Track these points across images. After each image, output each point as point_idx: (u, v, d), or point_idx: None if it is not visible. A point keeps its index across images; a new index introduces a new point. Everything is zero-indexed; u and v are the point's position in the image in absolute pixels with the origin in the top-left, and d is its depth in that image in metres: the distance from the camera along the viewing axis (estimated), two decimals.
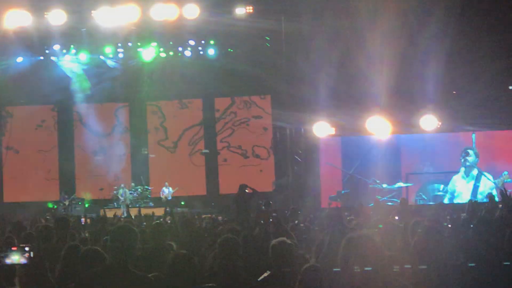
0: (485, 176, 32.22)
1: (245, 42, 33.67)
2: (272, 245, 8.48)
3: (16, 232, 13.75)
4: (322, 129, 33.18)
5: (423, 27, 29.57)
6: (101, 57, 34.95)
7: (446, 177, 33.05)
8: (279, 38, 32.67)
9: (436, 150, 33.26)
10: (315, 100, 32.03)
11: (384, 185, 31.99)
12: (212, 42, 34.17)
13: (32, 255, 7.85)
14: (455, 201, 31.64)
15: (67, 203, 33.42)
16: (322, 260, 9.63)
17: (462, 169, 32.75)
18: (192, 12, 30.61)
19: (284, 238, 8.65)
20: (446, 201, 31.56)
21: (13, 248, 7.89)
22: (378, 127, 32.62)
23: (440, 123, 32.80)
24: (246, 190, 20.87)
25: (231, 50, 34.58)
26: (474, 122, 32.26)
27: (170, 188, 33.90)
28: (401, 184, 32.22)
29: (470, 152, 32.48)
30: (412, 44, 29.89)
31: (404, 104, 31.63)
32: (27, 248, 7.85)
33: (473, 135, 32.62)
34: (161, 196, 33.89)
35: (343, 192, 32.19)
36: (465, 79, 31.43)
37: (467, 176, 32.54)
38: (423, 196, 32.16)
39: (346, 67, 31.05)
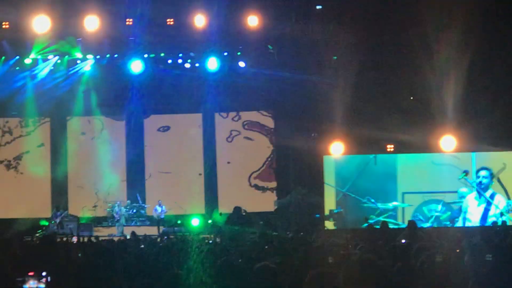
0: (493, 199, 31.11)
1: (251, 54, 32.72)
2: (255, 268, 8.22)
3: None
4: (338, 148, 32.18)
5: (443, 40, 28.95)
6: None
7: (444, 197, 31.82)
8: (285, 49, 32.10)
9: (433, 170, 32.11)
10: (324, 118, 31.30)
11: (379, 205, 30.82)
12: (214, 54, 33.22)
13: (49, 279, 7.96)
14: (466, 223, 30.47)
15: (58, 220, 32.02)
16: None
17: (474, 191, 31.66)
18: (199, 22, 30.36)
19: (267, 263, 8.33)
20: (459, 223, 30.40)
21: (30, 274, 8.05)
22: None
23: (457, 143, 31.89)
24: (243, 213, 19.81)
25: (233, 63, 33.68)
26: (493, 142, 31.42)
27: (164, 207, 32.83)
28: (396, 203, 31.09)
29: (485, 172, 31.30)
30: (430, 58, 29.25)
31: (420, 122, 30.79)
32: (44, 273, 7.98)
33: (473, 154, 31.44)
34: (154, 214, 32.77)
35: (335, 211, 31.08)
36: (485, 97, 30.73)
37: (480, 197, 31.37)
38: (420, 217, 31.01)
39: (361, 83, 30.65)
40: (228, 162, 35.31)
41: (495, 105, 30.74)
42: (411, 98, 31.83)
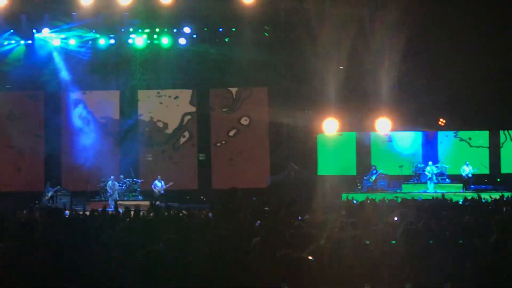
0: None
1: (244, 31, 32.52)
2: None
3: None
4: (332, 126, 32.15)
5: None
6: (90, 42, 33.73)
7: None
8: (279, 29, 31.93)
9: None
10: (317, 96, 31.26)
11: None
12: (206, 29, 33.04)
13: None
14: None
15: (49, 194, 31.93)
16: None
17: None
18: None
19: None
20: None
21: None
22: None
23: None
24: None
25: (227, 40, 33.47)
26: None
27: (163, 182, 32.67)
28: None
29: None
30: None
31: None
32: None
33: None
34: (154, 189, 32.62)
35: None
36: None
37: None
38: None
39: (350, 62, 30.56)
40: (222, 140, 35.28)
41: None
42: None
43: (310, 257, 8.05)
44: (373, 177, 33.28)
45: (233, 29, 33.24)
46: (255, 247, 8.08)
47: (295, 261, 7.35)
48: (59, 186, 32.83)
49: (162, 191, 32.71)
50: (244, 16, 31.20)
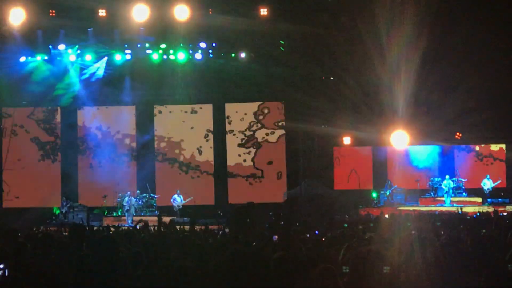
0: None
1: (260, 46, 32.64)
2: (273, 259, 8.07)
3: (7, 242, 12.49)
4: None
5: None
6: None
7: None
8: (295, 43, 32.01)
9: None
10: (334, 110, 31.47)
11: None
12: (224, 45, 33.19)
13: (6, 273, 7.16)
14: None
15: (64, 210, 31.98)
16: None
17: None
18: (205, 13, 30.07)
19: (284, 253, 8.20)
20: None
21: None
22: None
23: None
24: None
25: (245, 55, 33.52)
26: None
27: (182, 197, 32.74)
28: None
29: None
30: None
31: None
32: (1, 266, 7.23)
33: None
34: (173, 204, 32.65)
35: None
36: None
37: None
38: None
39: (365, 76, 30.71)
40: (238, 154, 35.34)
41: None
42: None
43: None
44: (388, 192, 33.17)
45: (249, 44, 33.27)
46: (276, 262, 8.10)
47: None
48: (70, 201, 32.73)
49: (181, 206, 32.78)
50: (260, 30, 31.26)
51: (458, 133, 34.25)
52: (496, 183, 33.01)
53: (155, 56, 33.62)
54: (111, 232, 17.52)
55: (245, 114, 35.38)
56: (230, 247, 9.29)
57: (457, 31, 29.19)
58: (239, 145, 35.35)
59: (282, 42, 32.75)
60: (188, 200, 32.84)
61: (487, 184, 32.95)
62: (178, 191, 33.04)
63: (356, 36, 29.60)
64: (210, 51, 33.55)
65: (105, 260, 7.43)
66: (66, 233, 19.36)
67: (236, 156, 35.32)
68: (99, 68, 33.96)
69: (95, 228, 21.74)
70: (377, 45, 28.88)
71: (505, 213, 26.79)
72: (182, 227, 19.92)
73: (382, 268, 7.34)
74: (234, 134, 35.44)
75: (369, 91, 31.58)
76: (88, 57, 33.58)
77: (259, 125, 35.23)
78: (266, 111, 35.22)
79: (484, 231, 14.48)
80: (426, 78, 30.16)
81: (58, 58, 33.51)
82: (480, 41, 29.60)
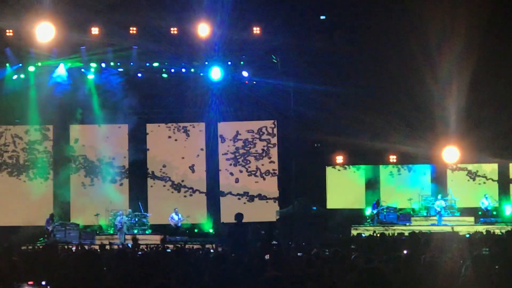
0: None
1: (254, 63, 32.74)
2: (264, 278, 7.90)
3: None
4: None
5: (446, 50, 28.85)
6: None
7: None
8: (289, 59, 32.11)
9: None
10: (327, 128, 31.48)
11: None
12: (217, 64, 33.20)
13: None
14: None
15: (50, 228, 31.68)
16: None
17: None
18: (203, 31, 30.41)
19: (275, 273, 8.09)
20: None
21: (29, 283, 7.71)
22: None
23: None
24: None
25: (237, 72, 33.57)
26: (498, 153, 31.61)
27: (180, 215, 32.74)
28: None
29: None
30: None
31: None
32: (43, 282, 7.65)
33: None
34: (171, 222, 32.68)
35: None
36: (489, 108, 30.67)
37: None
38: None
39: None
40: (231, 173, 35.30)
41: (498, 116, 30.74)
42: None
43: None
44: (374, 211, 33.04)
45: (241, 63, 33.35)
46: (267, 281, 8.06)
47: None
48: (57, 219, 32.51)
49: (179, 224, 32.79)
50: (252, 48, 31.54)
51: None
52: (494, 203, 33.01)
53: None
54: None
55: (238, 133, 35.35)
56: (221, 266, 9.28)
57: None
58: (232, 164, 35.30)
59: (274, 57, 32.80)
60: (185, 218, 32.93)
61: (485, 203, 32.91)
62: (176, 209, 33.04)
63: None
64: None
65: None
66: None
67: (228, 174, 35.28)
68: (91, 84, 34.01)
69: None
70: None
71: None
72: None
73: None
74: (226, 153, 35.37)
75: (366, 110, 31.59)
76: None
77: (252, 144, 35.18)
78: (259, 129, 35.19)
79: (477, 250, 14.45)
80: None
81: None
82: None
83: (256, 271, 10.16)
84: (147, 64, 33.37)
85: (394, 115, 31.33)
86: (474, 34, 28.01)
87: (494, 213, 33.10)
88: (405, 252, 15.60)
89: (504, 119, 30.87)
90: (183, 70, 33.66)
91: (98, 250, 16.88)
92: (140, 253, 15.95)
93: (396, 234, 27.73)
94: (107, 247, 19.75)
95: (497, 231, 26.30)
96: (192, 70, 33.66)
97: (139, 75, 33.83)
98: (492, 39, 29.25)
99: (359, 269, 6.69)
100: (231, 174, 35.27)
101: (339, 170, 34.70)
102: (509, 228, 27.04)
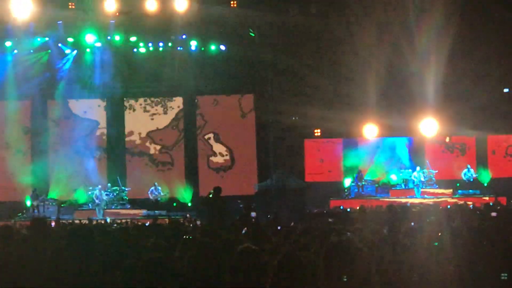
0: None
1: (232, 37, 32.58)
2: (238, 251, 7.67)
3: None
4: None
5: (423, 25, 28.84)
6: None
7: None
8: (266, 32, 32.04)
9: None
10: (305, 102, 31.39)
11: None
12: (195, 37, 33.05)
13: None
14: None
15: (35, 203, 31.61)
16: None
17: None
18: (181, 6, 29.98)
19: (249, 244, 7.71)
20: None
21: None
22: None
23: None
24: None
25: (214, 46, 33.41)
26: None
27: (160, 189, 32.62)
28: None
29: None
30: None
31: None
32: None
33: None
34: (150, 196, 32.60)
35: None
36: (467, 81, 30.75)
37: None
38: None
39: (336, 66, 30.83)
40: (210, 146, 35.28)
41: (476, 89, 30.86)
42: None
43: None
44: (359, 183, 33.03)
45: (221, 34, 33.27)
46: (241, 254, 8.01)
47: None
48: (44, 195, 32.48)
49: (159, 198, 32.73)
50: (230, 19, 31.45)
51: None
52: (476, 174, 33.09)
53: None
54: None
55: (216, 106, 35.24)
56: (197, 240, 9.24)
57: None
58: (209, 138, 35.25)
59: (251, 30, 32.70)
60: (165, 193, 32.92)
61: (467, 174, 32.93)
62: (156, 183, 32.96)
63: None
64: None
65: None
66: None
67: (206, 149, 35.22)
68: (69, 60, 33.78)
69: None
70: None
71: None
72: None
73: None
74: (204, 127, 35.28)
75: (341, 80, 31.63)
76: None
77: (230, 117, 35.11)
78: (236, 103, 35.12)
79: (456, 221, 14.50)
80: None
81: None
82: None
83: (233, 244, 10.13)
84: (125, 39, 33.12)
85: (371, 87, 31.27)
86: (452, 7, 28.02)
87: (473, 185, 33.22)
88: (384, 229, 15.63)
89: (481, 92, 30.97)
90: (161, 44, 33.47)
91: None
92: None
93: (375, 207, 27.83)
94: (85, 221, 19.76)
95: (475, 203, 26.51)
96: (170, 44, 33.43)
97: (117, 50, 33.56)
98: (469, 13, 29.27)
99: (330, 241, 6.63)
100: (210, 146, 35.22)
101: (317, 142, 34.71)
102: (486, 198, 27.26)
